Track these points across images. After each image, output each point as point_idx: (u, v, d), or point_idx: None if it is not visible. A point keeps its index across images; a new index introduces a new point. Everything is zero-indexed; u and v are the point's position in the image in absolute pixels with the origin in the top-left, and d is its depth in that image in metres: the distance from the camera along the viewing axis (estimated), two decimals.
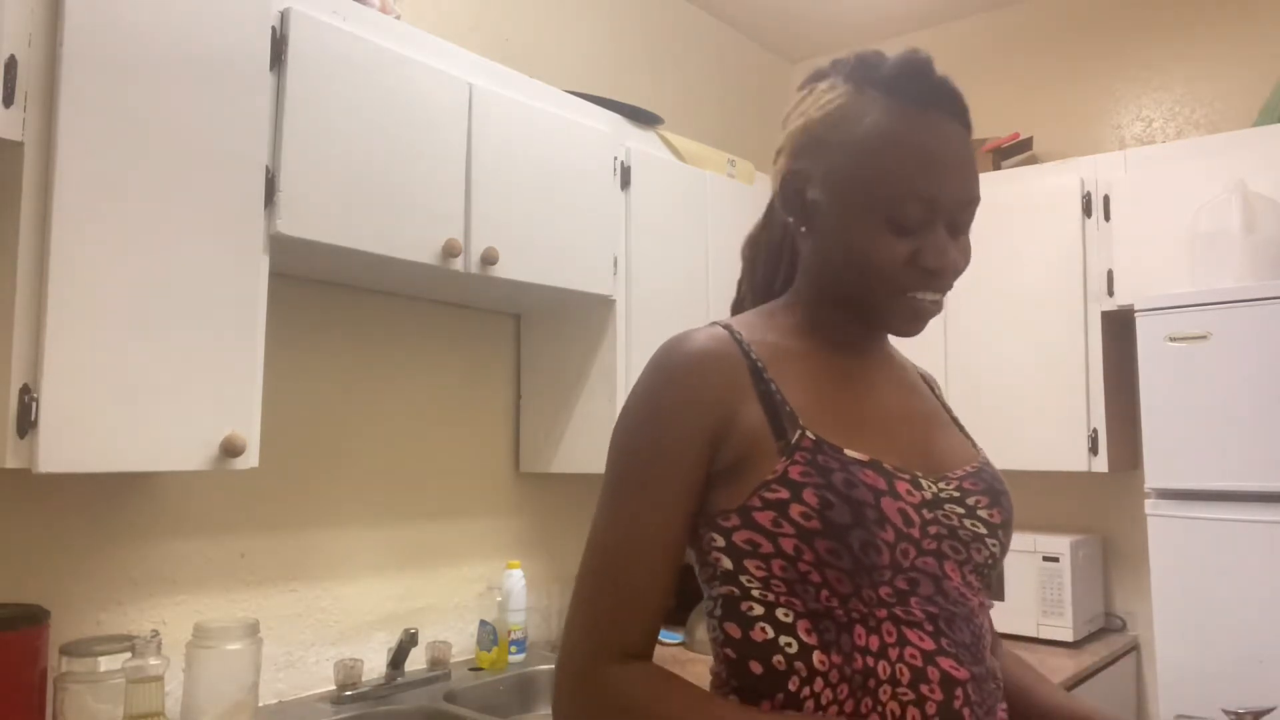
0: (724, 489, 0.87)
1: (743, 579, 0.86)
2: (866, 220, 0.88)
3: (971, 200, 0.89)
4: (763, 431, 0.86)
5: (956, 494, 0.90)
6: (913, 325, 0.92)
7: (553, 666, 2.23)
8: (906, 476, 0.87)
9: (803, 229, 0.94)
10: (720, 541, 0.87)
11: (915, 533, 0.85)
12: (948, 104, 0.89)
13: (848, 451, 0.85)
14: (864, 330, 0.97)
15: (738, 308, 1.10)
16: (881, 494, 0.84)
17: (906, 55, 0.90)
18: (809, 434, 0.86)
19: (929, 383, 1.08)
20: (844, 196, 0.89)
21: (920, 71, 0.89)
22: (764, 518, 0.84)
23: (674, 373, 0.88)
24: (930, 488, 0.88)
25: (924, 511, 0.86)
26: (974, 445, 1.01)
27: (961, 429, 1.03)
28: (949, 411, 1.05)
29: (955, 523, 0.88)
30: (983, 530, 0.90)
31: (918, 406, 0.98)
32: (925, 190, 0.86)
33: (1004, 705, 0.90)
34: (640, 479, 0.87)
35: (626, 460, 0.88)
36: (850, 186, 0.88)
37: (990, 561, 0.91)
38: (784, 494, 0.83)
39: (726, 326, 0.93)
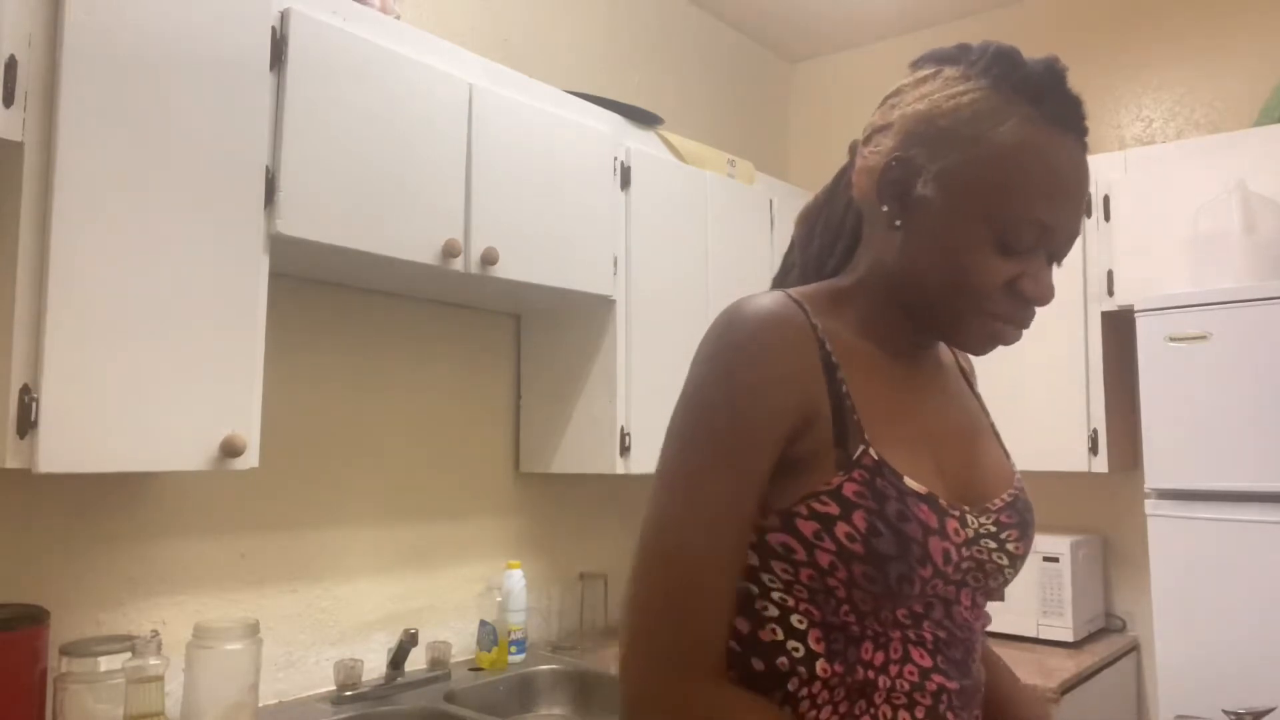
0: (771, 484, 0.82)
1: (764, 578, 0.83)
2: (976, 230, 0.82)
3: (1078, 234, 0.86)
4: (826, 435, 0.82)
5: (993, 528, 0.88)
6: (985, 347, 0.87)
7: (553, 667, 2.23)
8: (956, 514, 0.84)
9: (896, 221, 0.86)
10: (752, 537, 0.83)
11: (950, 570, 0.83)
12: (1080, 126, 0.84)
13: (907, 480, 0.81)
14: (925, 338, 0.92)
15: (781, 279, 1.04)
16: (931, 533, 0.81)
17: (1051, 63, 0.83)
18: (872, 452, 0.81)
19: (968, 377, 1.04)
20: (959, 200, 0.83)
21: (1063, 85, 0.83)
22: (807, 528, 0.80)
23: (755, 346, 0.81)
24: (974, 524, 0.86)
25: (963, 549, 0.85)
26: (1008, 457, 0.98)
27: (997, 434, 1.01)
28: (986, 413, 1.02)
29: (985, 557, 0.87)
30: (1005, 562, 0.89)
31: (967, 422, 0.95)
32: (1047, 216, 0.82)
33: (979, 711, 0.91)
34: (717, 463, 0.80)
35: (699, 440, 0.81)
36: (970, 191, 0.82)
37: (1001, 586, 0.91)
38: (833, 509, 0.80)
39: (796, 301, 0.86)
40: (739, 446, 0.80)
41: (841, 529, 0.79)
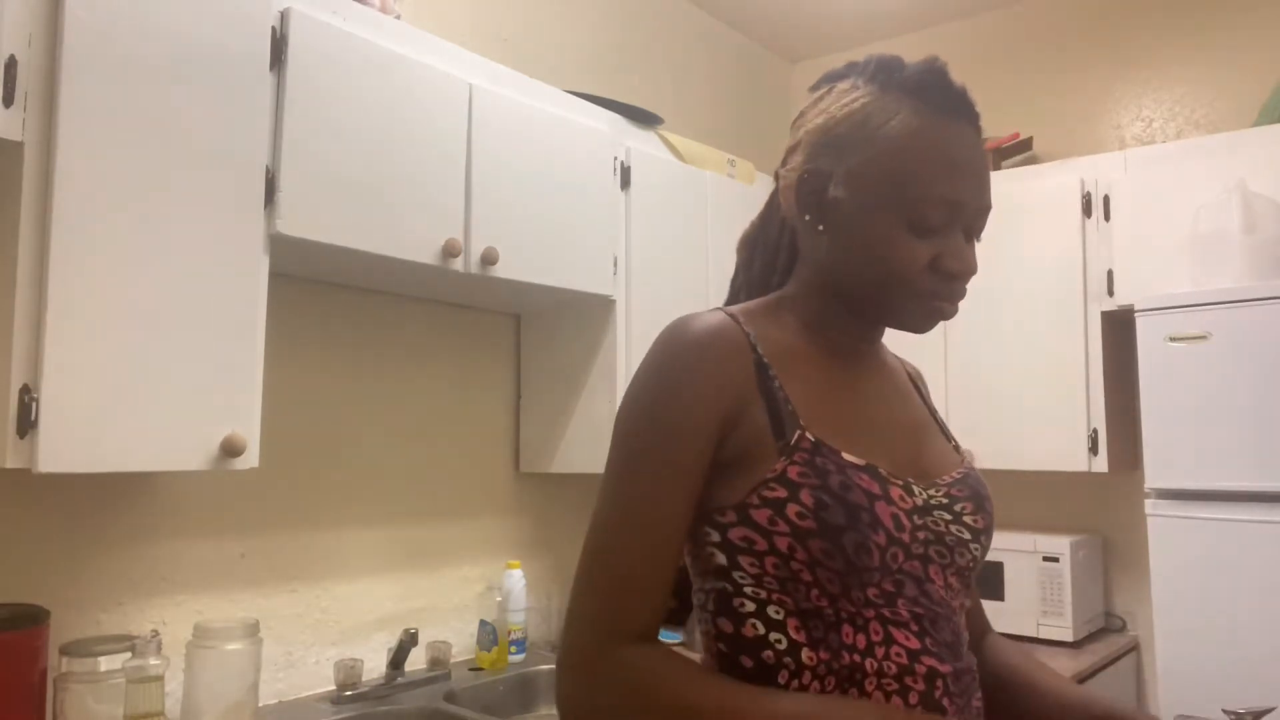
0: (722, 484, 0.87)
1: (736, 575, 0.87)
2: (888, 219, 0.88)
3: (987, 207, 0.91)
4: (764, 429, 0.87)
5: (945, 500, 0.92)
6: (925, 325, 0.93)
7: (553, 667, 2.23)
8: (900, 482, 0.88)
9: (819, 227, 0.94)
10: (716, 537, 0.88)
11: (905, 537, 0.86)
12: (967, 112, 0.90)
13: (845, 455, 0.86)
14: (867, 332, 0.98)
15: (730, 302, 1.10)
16: (876, 498, 0.85)
17: (929, 63, 0.91)
18: (808, 435, 0.87)
19: (915, 382, 1.10)
20: (867, 195, 0.89)
21: (943, 79, 0.90)
22: (760, 516, 0.85)
23: (686, 354, 0.88)
24: (921, 494, 0.90)
25: (914, 517, 0.88)
26: (958, 450, 1.02)
27: (946, 433, 1.05)
28: (935, 415, 1.06)
29: (942, 528, 0.90)
30: (967, 536, 0.92)
31: (910, 414, 1.00)
32: (950, 194, 0.87)
33: (979, 695, 0.92)
34: (648, 457, 0.86)
35: (634, 438, 0.87)
36: (874, 185, 0.89)
37: (971, 565, 0.93)
38: (781, 493, 0.84)
39: (731, 316, 0.93)
40: (661, 442, 0.86)
41: (792, 509, 0.84)
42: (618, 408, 0.91)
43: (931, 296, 0.90)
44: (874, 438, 0.92)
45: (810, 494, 0.83)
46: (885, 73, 0.92)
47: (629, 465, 0.86)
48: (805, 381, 0.91)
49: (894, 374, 1.04)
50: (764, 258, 1.08)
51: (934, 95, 0.89)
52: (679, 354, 0.88)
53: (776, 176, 1.01)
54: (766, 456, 0.86)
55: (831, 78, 0.97)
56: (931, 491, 0.91)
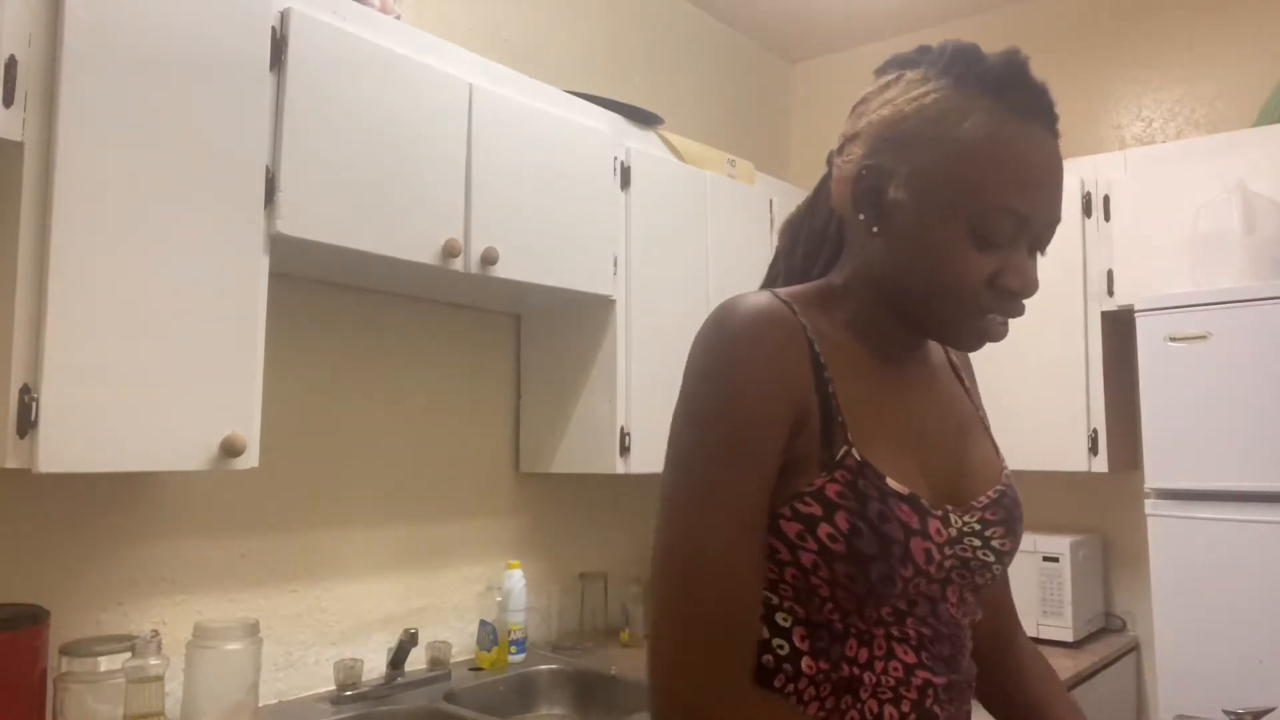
0: None
1: None
2: (951, 229, 0.82)
3: (1058, 221, 0.85)
4: (814, 436, 0.82)
5: (977, 526, 0.89)
6: (976, 344, 0.87)
7: (553, 667, 2.23)
8: (939, 514, 0.85)
9: (874, 229, 0.86)
10: None
11: (933, 569, 0.84)
12: (1047, 116, 0.84)
13: (890, 481, 0.82)
14: (914, 339, 0.92)
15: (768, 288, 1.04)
16: (913, 534, 0.81)
17: (1011, 55, 0.84)
18: (854, 453, 0.82)
19: (958, 371, 1.04)
20: (932, 200, 0.82)
21: (1025, 75, 0.83)
22: (790, 529, 0.81)
23: (751, 344, 0.81)
24: (957, 522, 0.87)
25: (945, 549, 0.85)
26: (998, 452, 0.98)
27: (988, 430, 1.01)
28: (979, 408, 1.02)
29: (969, 554, 0.87)
30: (991, 559, 0.89)
31: (955, 420, 0.96)
32: (1020, 206, 0.81)
33: (969, 705, 0.91)
34: (728, 462, 0.79)
35: (708, 441, 0.80)
36: (940, 190, 0.82)
37: (988, 583, 0.91)
38: (816, 510, 0.80)
39: (785, 302, 0.86)
40: (745, 450, 0.79)
41: (824, 529, 0.80)
42: (676, 407, 0.84)
43: (986, 313, 0.84)
44: (918, 455, 0.88)
45: (846, 518, 0.79)
46: (962, 64, 0.83)
47: (708, 472, 0.79)
48: (855, 387, 0.86)
49: (939, 374, 0.99)
50: (808, 246, 1.00)
51: (1013, 94, 0.82)
52: (739, 343, 0.81)
53: (829, 163, 0.94)
54: (808, 467, 0.81)
55: (900, 63, 0.88)
56: (967, 518, 0.88)
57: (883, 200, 0.86)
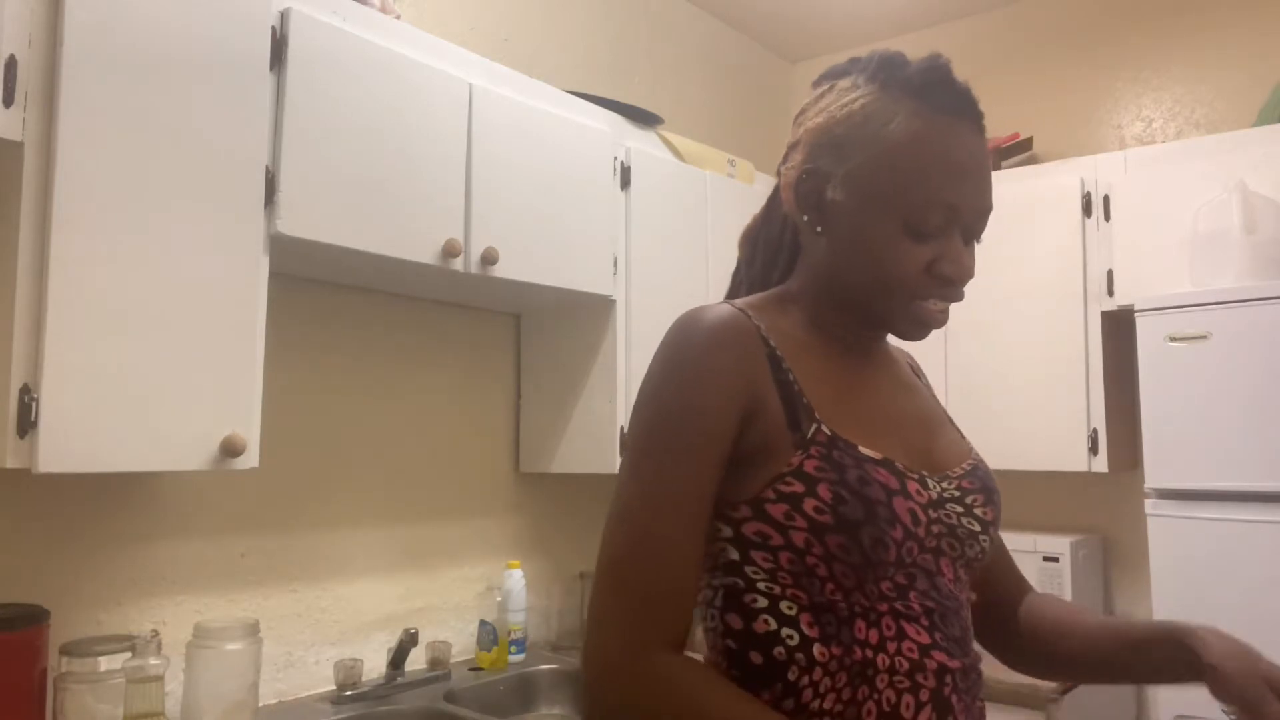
0: (736, 478, 0.86)
1: (748, 570, 0.87)
2: (886, 223, 0.88)
3: (988, 210, 0.90)
4: (779, 422, 0.86)
5: (957, 493, 0.92)
6: (919, 331, 0.92)
7: (553, 667, 2.23)
8: (915, 476, 0.89)
9: (818, 229, 0.93)
10: (728, 532, 0.87)
11: (920, 531, 0.86)
12: (971, 113, 0.89)
13: (862, 449, 0.86)
14: (867, 332, 0.97)
15: (730, 297, 1.10)
16: (894, 493, 0.85)
17: (932, 60, 0.90)
18: (824, 428, 0.86)
19: (916, 372, 1.09)
20: (865, 197, 0.89)
21: (946, 78, 0.89)
22: (776, 510, 0.84)
23: (704, 345, 0.87)
24: (935, 487, 0.90)
25: (929, 511, 0.88)
26: (964, 439, 1.03)
27: (952, 423, 1.05)
28: (940, 405, 1.07)
29: (954, 521, 0.90)
30: (977, 528, 0.92)
31: (919, 406, 1.00)
32: (949, 197, 0.87)
33: (982, 694, 0.93)
34: (675, 448, 0.84)
35: (658, 429, 0.85)
36: (873, 187, 0.88)
37: (980, 556, 0.94)
38: (798, 488, 0.84)
39: (739, 308, 0.91)
40: (690, 436, 0.84)
41: (809, 504, 0.83)
42: (634, 405, 0.89)
43: (925, 299, 0.89)
44: (888, 430, 0.92)
45: (828, 488, 0.83)
46: (887, 71, 0.90)
47: (656, 457, 0.85)
48: (817, 375, 0.91)
49: (899, 366, 1.04)
50: (766, 254, 1.07)
51: (935, 95, 0.88)
52: (698, 345, 0.87)
53: (778, 173, 1.00)
54: (782, 450, 0.85)
55: (833, 74, 0.95)
56: (944, 484, 0.91)
57: (823, 201, 0.92)
